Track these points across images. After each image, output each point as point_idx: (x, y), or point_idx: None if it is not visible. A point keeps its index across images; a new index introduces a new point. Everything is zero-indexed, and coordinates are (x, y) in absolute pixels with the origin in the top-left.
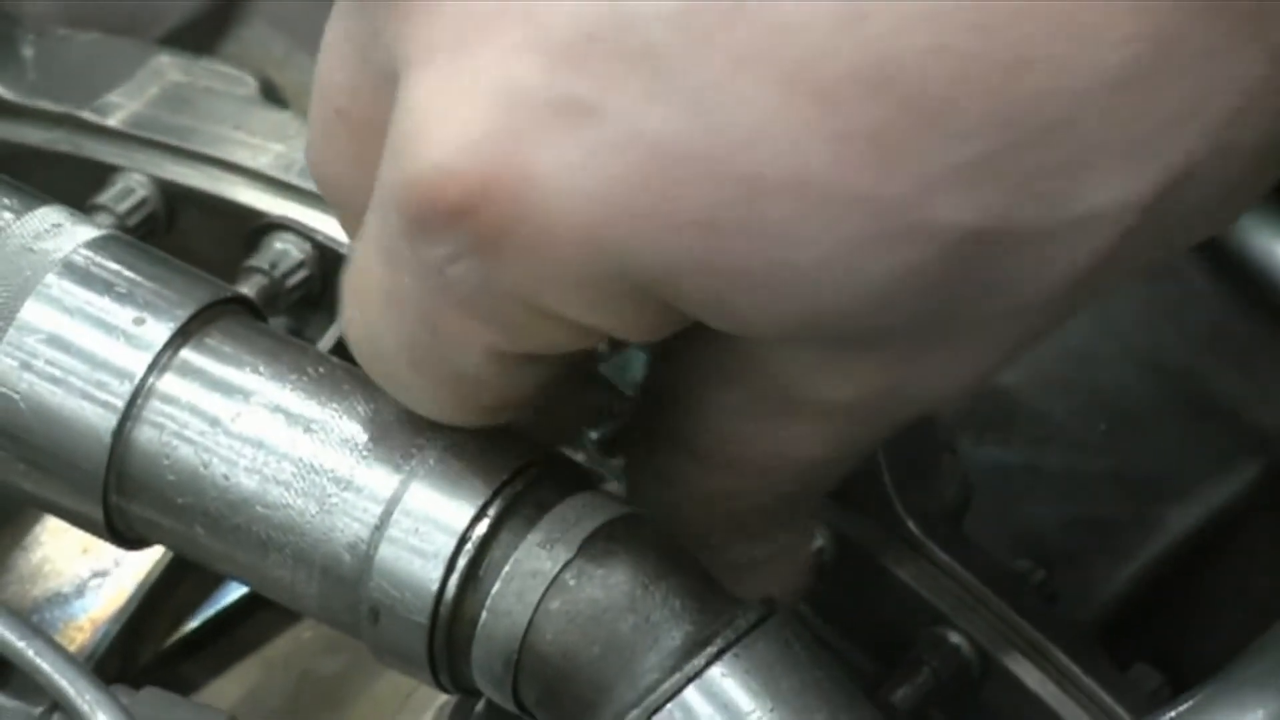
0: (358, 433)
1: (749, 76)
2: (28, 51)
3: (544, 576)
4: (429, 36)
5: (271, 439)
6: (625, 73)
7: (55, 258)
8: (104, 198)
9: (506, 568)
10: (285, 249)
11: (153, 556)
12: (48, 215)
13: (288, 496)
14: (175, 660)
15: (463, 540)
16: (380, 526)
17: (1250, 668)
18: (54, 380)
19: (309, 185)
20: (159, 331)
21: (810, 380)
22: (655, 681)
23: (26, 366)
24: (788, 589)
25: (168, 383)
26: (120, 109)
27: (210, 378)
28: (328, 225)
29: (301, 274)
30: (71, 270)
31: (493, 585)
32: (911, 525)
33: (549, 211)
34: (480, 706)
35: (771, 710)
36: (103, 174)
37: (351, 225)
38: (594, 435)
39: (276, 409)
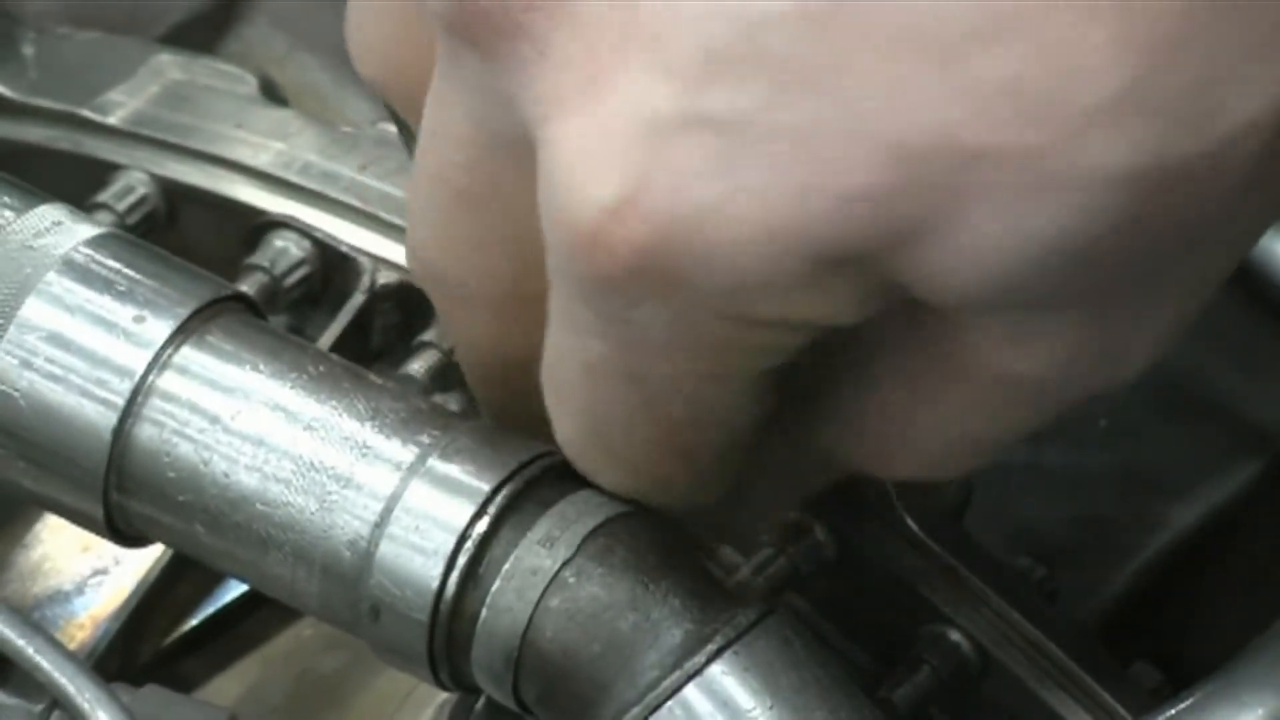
0: (358, 430)
1: (869, 50)
2: (28, 50)
3: (544, 574)
4: (557, 87)
5: (272, 437)
6: (754, 75)
7: (56, 255)
8: (104, 196)
9: (507, 565)
10: (285, 247)
11: (153, 554)
12: (48, 213)
13: (288, 494)
14: (175, 658)
15: (463, 538)
16: (380, 524)
17: (1250, 666)
18: (54, 378)
19: (309, 183)
20: (159, 329)
21: (1000, 354)
22: (655, 679)
23: (27, 364)
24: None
25: (168, 380)
26: (121, 107)
27: (210, 375)
28: (328, 223)
29: (302, 272)
30: (72, 268)
31: (493, 583)
32: (911, 523)
33: (719, 227)
34: (480, 704)
35: (771, 708)
36: (103, 172)
37: (480, 318)
38: None
39: (276, 407)
